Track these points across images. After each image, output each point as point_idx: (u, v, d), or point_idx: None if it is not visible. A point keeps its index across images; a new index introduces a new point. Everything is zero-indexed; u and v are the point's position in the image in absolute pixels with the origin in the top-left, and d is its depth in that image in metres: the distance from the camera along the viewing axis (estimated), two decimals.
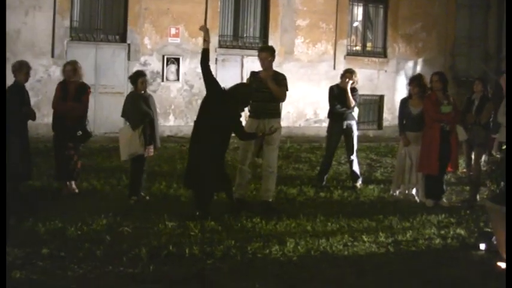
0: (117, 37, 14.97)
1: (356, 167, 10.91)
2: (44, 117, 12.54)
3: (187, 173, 8.43)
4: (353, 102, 10.64)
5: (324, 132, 17.37)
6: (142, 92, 8.90)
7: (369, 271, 6.63)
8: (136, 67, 14.87)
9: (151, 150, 8.96)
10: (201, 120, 8.32)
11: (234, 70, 16.11)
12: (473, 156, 9.91)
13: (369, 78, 17.58)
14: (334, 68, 17.33)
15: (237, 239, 7.27)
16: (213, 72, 15.61)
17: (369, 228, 8.25)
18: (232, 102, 8.23)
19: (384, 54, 18.31)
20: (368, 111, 18.13)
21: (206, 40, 8.39)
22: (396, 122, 18.00)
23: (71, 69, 9.20)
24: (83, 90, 9.33)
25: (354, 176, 10.89)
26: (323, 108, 17.09)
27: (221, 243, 7.06)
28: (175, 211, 8.34)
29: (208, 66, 8.35)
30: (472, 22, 19.76)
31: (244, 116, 8.85)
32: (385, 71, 18.23)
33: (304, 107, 17.07)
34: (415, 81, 9.93)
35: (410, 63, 18.65)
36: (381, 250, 7.37)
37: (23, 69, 8.98)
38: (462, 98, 10.70)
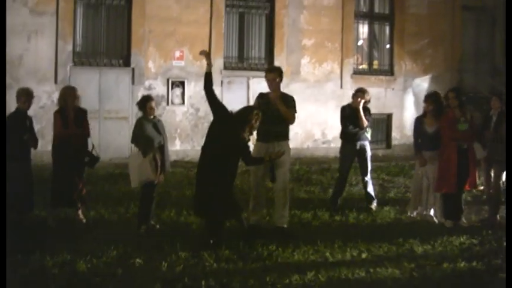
0: (121, 61, 14.72)
1: (371, 189, 10.61)
2: (47, 145, 12.03)
3: (196, 201, 8.12)
4: (366, 122, 10.37)
5: (332, 153, 17.29)
6: (152, 117, 8.63)
7: None
8: (140, 91, 14.66)
9: (162, 177, 8.67)
10: (208, 146, 8.04)
11: (240, 92, 15.85)
12: (492, 174, 9.61)
13: (376, 97, 17.23)
14: (341, 87, 17.10)
15: (254, 269, 6.96)
16: (219, 95, 15.50)
17: (389, 252, 7.93)
18: (239, 126, 7.96)
19: (390, 72, 18.04)
20: (376, 130, 17.79)
21: (208, 64, 8.19)
22: (405, 140, 18.14)
23: (73, 94, 8.92)
24: (82, 115, 9.06)
25: (368, 198, 10.58)
26: (331, 128, 16.89)
27: (238, 274, 6.74)
28: (187, 240, 8.03)
29: (213, 90, 8.11)
30: (478, 37, 19.54)
31: (252, 140, 8.56)
32: (393, 89, 17.96)
33: (312, 127, 16.79)
34: (430, 98, 9.66)
35: (418, 81, 18.38)
36: (405, 276, 7.05)
37: (21, 96, 8.77)
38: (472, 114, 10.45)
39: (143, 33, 14.74)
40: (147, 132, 8.48)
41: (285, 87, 16.04)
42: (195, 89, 15.28)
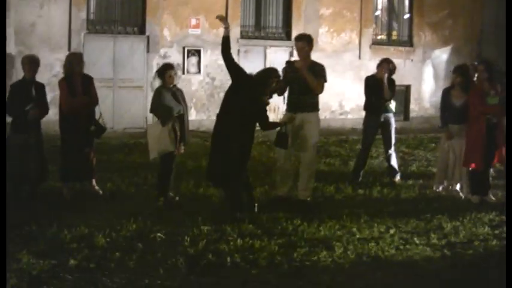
0: (136, 29, 14.39)
1: (394, 162, 10.31)
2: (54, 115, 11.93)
3: (210, 169, 7.85)
4: (390, 94, 10.03)
5: (349, 124, 17.01)
6: (171, 85, 8.31)
7: (428, 278, 6.04)
8: (155, 60, 14.37)
9: (182, 148, 8.39)
10: (224, 112, 7.78)
11: (256, 61, 15.48)
12: None
13: None
14: (359, 58, 16.79)
15: (281, 244, 6.68)
16: None
17: (418, 228, 7.64)
18: (259, 89, 7.68)
19: (410, 43, 17.69)
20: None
21: (226, 28, 7.88)
22: (423, 113, 17.79)
23: (78, 60, 8.53)
24: (89, 82, 8.63)
25: (391, 171, 10.29)
26: (348, 99, 16.58)
27: (264, 250, 6.47)
28: (208, 213, 7.76)
29: (231, 54, 7.85)
30: (498, 9, 19.05)
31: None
32: (412, 60, 17.59)
33: (329, 98, 16.31)
34: (458, 70, 9.29)
35: (437, 52, 18.01)
36: (436, 254, 6.76)
37: (25, 65, 8.38)
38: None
39: (158, 0, 14.35)
40: (166, 101, 8.18)
41: None
42: (211, 58, 14.96)
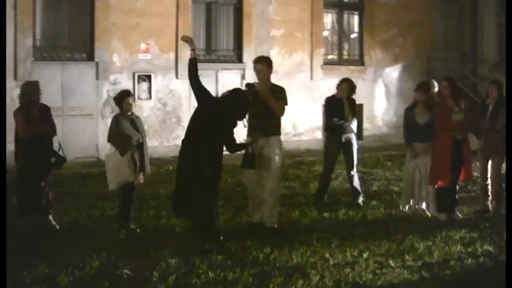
0: (84, 55, 13.93)
1: (357, 183, 10.13)
2: (8, 145, 11.44)
3: (177, 200, 7.53)
4: (352, 114, 9.88)
5: (304, 146, 16.85)
6: (129, 113, 7.97)
7: None
8: (105, 86, 13.99)
9: (141, 177, 8.04)
10: (191, 137, 7.46)
11: (208, 86, 14.77)
12: (489, 167, 9.20)
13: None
14: (312, 79, 16.67)
15: (254, 275, 6.37)
16: (187, 89, 14.89)
17: (391, 250, 7.45)
18: (229, 110, 7.42)
19: (361, 62, 17.67)
20: None
21: (193, 49, 7.69)
22: (376, 131, 17.77)
23: (35, 89, 8.17)
24: (46, 112, 8.29)
25: (354, 193, 10.09)
26: (302, 121, 16.44)
27: (238, 282, 6.15)
28: (173, 244, 7.41)
29: (198, 76, 7.63)
30: (446, 26, 19.34)
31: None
32: (363, 79, 17.53)
33: (283, 120, 15.93)
34: (421, 88, 9.19)
35: (388, 70, 18.05)
36: (414, 276, 6.57)
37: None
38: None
39: (107, 25, 13.97)
40: (125, 129, 7.84)
41: (254, 80, 15.50)
42: (162, 83, 14.64)
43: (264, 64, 8.22)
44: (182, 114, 14.95)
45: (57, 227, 8.17)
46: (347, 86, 10.01)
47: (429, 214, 9.16)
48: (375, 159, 14.93)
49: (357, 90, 16.86)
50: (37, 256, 6.83)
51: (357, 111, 10.11)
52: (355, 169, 10.11)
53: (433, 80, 10.28)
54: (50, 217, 8.22)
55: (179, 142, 14.69)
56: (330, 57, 17.34)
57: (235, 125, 7.58)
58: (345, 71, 17.04)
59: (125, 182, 7.83)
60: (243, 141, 8.00)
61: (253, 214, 8.27)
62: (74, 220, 8.66)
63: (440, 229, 8.36)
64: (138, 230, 8.06)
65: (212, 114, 7.36)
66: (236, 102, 7.50)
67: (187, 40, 7.89)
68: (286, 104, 8.27)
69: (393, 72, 18.10)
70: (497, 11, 18.69)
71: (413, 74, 18.40)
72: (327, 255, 7.13)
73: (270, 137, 8.08)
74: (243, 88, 8.19)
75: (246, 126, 8.05)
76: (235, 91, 7.79)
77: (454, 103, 8.83)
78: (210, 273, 6.36)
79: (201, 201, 7.32)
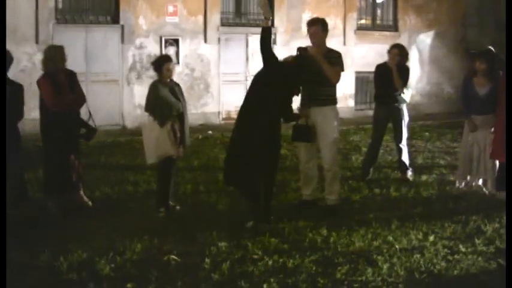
0: (109, 18, 13.26)
1: (405, 157, 9.44)
2: (30, 112, 10.76)
3: (230, 168, 6.84)
4: (400, 83, 9.16)
5: (340, 115, 16.05)
6: (169, 80, 7.28)
7: None
8: (131, 51, 13.34)
9: (181, 150, 7.36)
10: (250, 104, 6.76)
11: (238, 50, 14.53)
12: None
13: (380, 54, 15.85)
14: (344, 44, 15.88)
15: (316, 262, 5.71)
16: (216, 53, 14.18)
17: (456, 233, 6.77)
18: (293, 76, 6.86)
19: (395, 27, 16.88)
20: None
21: (266, 18, 6.84)
22: (409, 99, 16.96)
23: (61, 55, 7.39)
24: (73, 78, 7.53)
25: (402, 167, 9.41)
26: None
27: (300, 271, 5.49)
28: (219, 224, 6.76)
29: (272, 49, 6.85)
30: None
31: None
32: None
33: None
34: (483, 56, 8.41)
35: (422, 36, 17.24)
36: (492, 265, 5.88)
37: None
38: None
39: None
40: (164, 98, 7.13)
41: (285, 45, 14.83)
42: (190, 48, 13.96)
43: (318, 26, 7.47)
44: (211, 80, 14.28)
45: (90, 203, 7.53)
46: (396, 52, 9.31)
47: (486, 191, 8.47)
48: (411, 130, 14.12)
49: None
50: (72, 239, 6.18)
51: (408, 80, 9.35)
52: (404, 142, 9.41)
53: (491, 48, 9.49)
54: (81, 193, 7.58)
55: (207, 109, 14.22)
56: (362, 21, 16.54)
57: (296, 92, 6.89)
58: (378, 37, 16.32)
59: (165, 156, 7.16)
60: (296, 111, 7.28)
61: (304, 190, 7.62)
62: (107, 196, 8.03)
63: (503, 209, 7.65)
64: (178, 207, 7.42)
65: (276, 81, 6.66)
66: (300, 67, 6.81)
67: (264, 6, 7.01)
68: (343, 70, 7.52)
69: (427, 39, 17.31)
70: None
71: (448, 41, 17.65)
72: (390, 238, 6.46)
73: (325, 107, 7.37)
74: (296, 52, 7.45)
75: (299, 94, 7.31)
76: (300, 57, 7.06)
77: None
78: (267, 259, 5.70)
79: (255, 173, 6.65)
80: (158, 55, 7.80)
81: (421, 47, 17.26)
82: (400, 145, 9.41)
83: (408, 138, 12.88)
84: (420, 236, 6.60)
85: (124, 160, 10.32)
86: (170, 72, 7.23)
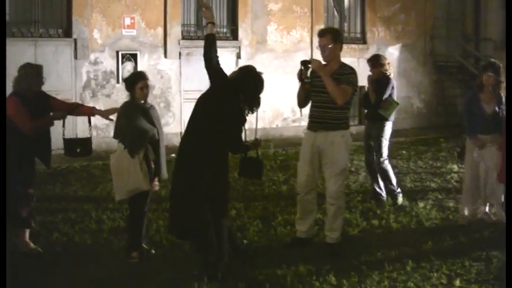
0: (60, 31, 12.10)
1: (393, 179, 8.64)
2: None
3: (172, 217, 5.73)
4: (377, 97, 8.69)
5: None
6: (142, 101, 6.20)
7: None
8: (85, 67, 12.18)
9: (156, 184, 6.28)
10: (190, 133, 5.72)
11: (200, 65, 13.26)
12: None
13: None
14: (312, 57, 14.94)
15: None
16: (177, 69, 13.11)
17: (482, 274, 5.88)
18: (233, 94, 5.70)
19: (363, 40, 16.10)
20: None
21: (211, 22, 5.84)
22: None
23: (37, 73, 6.44)
24: (46, 99, 6.63)
25: (391, 192, 8.61)
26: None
27: None
28: (200, 266, 5.67)
29: (217, 57, 5.83)
30: (449, 3, 17.95)
31: None
32: (365, 58, 15.91)
33: (281, 104, 14.59)
34: (490, 69, 7.53)
35: (391, 49, 16.51)
36: None
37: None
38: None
39: None
40: (137, 122, 6.05)
41: (250, 59, 13.87)
42: (149, 63, 12.88)
43: (328, 38, 6.43)
44: (172, 98, 13.23)
45: (40, 249, 6.33)
46: (369, 65, 8.85)
47: (494, 218, 7.60)
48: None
49: (359, 70, 15.47)
50: None
51: (384, 93, 8.77)
52: (385, 162, 8.56)
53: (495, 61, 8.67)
54: (27, 233, 6.38)
55: (169, 130, 13.06)
56: None
57: (242, 115, 5.76)
58: (346, 50, 15.35)
59: (136, 191, 6.05)
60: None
61: (300, 225, 6.61)
62: (67, 237, 6.85)
63: None
64: (153, 251, 6.32)
65: (216, 102, 5.61)
66: (242, 81, 5.75)
67: (207, 9, 6.00)
68: (355, 89, 6.47)
69: (396, 52, 16.62)
70: None
71: (416, 54, 17.00)
72: (412, 284, 5.50)
73: (333, 132, 6.35)
74: (300, 66, 6.45)
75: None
76: (246, 71, 5.96)
77: None
78: None
79: (200, 219, 5.53)
80: (133, 72, 6.67)
81: (389, 60, 16.49)
82: (382, 166, 8.54)
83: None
84: (444, 280, 5.68)
85: (82, 191, 9.16)
86: (145, 92, 6.16)
